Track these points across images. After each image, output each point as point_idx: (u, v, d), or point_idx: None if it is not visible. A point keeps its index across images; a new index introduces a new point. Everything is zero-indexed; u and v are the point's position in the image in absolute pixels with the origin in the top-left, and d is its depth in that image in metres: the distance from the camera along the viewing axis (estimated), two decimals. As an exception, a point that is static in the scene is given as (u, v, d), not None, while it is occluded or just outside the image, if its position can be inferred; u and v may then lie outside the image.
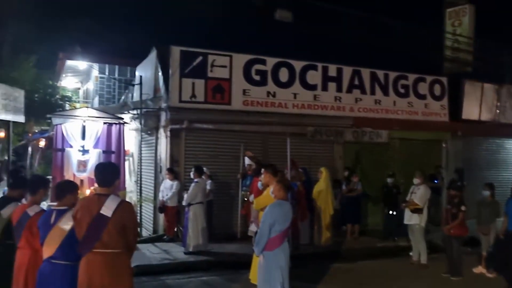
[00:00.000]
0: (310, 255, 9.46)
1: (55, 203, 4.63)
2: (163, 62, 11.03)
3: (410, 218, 9.05)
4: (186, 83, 10.55)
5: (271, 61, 11.52)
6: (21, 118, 8.73)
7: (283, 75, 11.66)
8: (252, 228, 7.11)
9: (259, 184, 7.80)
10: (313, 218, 10.38)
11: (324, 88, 12.20)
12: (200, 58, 10.64)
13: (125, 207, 4.16)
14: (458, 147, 13.91)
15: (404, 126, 12.93)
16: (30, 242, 4.69)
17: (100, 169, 4.37)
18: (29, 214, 4.74)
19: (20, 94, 8.63)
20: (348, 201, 11.29)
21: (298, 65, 11.86)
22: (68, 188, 4.56)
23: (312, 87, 12.03)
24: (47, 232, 4.34)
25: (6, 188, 9.12)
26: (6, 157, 9.49)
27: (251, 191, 9.95)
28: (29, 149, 12.70)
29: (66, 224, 4.30)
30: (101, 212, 4.04)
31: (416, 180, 9.15)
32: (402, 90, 13.27)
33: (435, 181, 12.54)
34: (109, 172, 4.32)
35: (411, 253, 9.37)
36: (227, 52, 11.07)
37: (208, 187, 10.00)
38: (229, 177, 10.98)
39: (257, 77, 11.35)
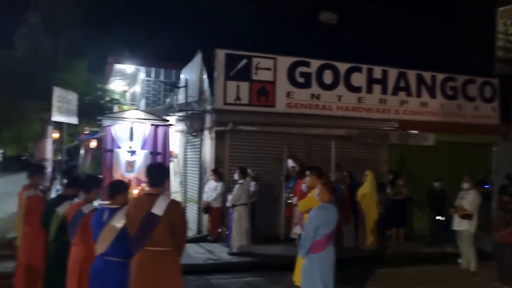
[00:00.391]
0: (354, 259, 9.34)
1: (107, 202, 4.81)
2: (208, 65, 11.21)
3: (460, 224, 8.77)
4: (231, 85, 10.68)
5: (315, 63, 11.49)
6: (74, 120, 9.09)
7: (328, 77, 11.60)
8: (296, 230, 7.11)
9: (304, 186, 7.77)
10: (357, 221, 10.26)
11: (369, 90, 12.04)
12: (244, 61, 10.75)
13: (174, 207, 4.28)
14: (509, 150, 13.34)
15: (451, 129, 12.56)
16: (84, 239, 4.87)
17: (151, 169, 4.51)
18: (83, 212, 4.93)
19: (73, 97, 9.00)
20: (393, 204, 11.07)
21: (342, 67, 11.77)
22: (120, 188, 4.71)
23: (357, 89, 11.91)
24: (100, 229, 4.50)
25: (59, 186, 9.56)
26: (59, 157, 9.91)
27: (294, 193, 9.96)
28: (81, 149, 13.27)
29: (118, 222, 4.45)
30: (152, 211, 4.16)
31: (465, 185, 8.87)
32: (450, 92, 12.90)
33: (486, 186, 12.08)
34: (159, 172, 4.46)
35: (459, 260, 9.08)
36: (272, 55, 11.13)
37: (252, 188, 10.07)
38: (273, 179, 11.00)
39: (301, 79, 11.34)
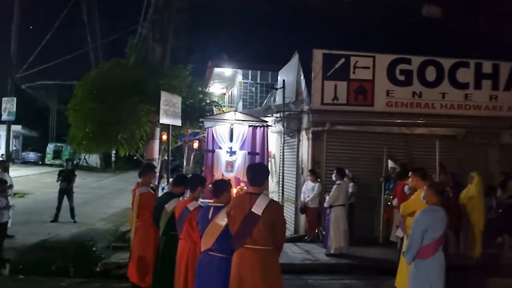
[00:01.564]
0: (460, 267, 8.78)
1: (209, 200, 5.04)
2: (305, 66, 11.25)
3: None
4: (329, 85, 10.62)
5: (416, 60, 11.00)
6: (178, 122, 9.57)
7: (430, 74, 11.04)
8: (398, 233, 6.86)
9: (406, 188, 7.49)
10: (460, 226, 9.62)
11: (477, 86, 11.25)
12: (342, 60, 10.62)
13: (274, 207, 4.36)
14: None
15: None
16: (190, 234, 5.14)
17: (253, 169, 4.65)
18: (189, 209, 5.21)
19: (178, 100, 9.49)
20: (506, 209, 10.20)
21: (447, 63, 11.13)
22: (225, 187, 4.92)
23: (463, 86, 11.19)
24: (205, 226, 4.73)
25: (164, 184, 10.18)
26: (166, 157, 10.55)
27: (394, 195, 9.61)
28: (186, 150, 14.04)
29: (222, 220, 4.64)
30: (252, 210, 4.28)
31: None
32: None
33: None
34: (260, 172, 4.58)
35: None
36: (370, 53, 10.88)
37: (350, 189, 9.92)
38: (371, 180, 10.74)
39: (401, 77, 10.93)
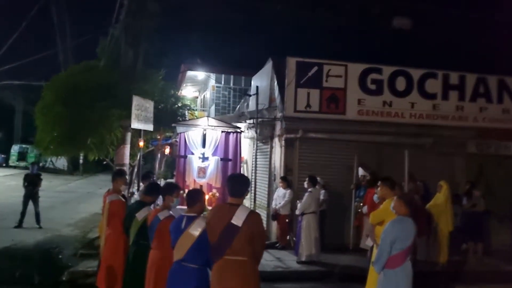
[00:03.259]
0: (428, 274, 8.96)
1: (185, 207, 4.97)
2: (279, 73, 11.30)
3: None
4: (301, 93, 10.69)
5: (387, 70, 11.21)
6: (150, 127, 9.47)
7: (400, 84, 11.28)
8: (368, 242, 6.95)
9: (375, 197, 7.60)
10: (430, 233, 9.84)
11: (445, 97, 11.55)
12: (315, 68, 10.72)
13: (254, 218, 4.34)
14: None
15: (537, 138, 11.72)
16: (161, 244, 5.08)
17: (233, 180, 4.61)
18: (159, 218, 5.16)
19: (150, 104, 9.39)
20: (470, 217, 10.49)
21: (416, 73, 11.39)
22: (198, 197, 4.86)
23: (431, 96, 11.47)
24: (178, 236, 4.66)
25: (134, 189, 10.03)
26: (136, 162, 10.42)
27: (364, 202, 9.77)
28: (158, 155, 13.89)
29: (196, 230, 4.59)
30: (232, 221, 4.25)
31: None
32: (536, 98, 12.04)
33: None
34: (241, 183, 4.55)
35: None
36: (343, 62, 11.02)
37: (321, 197, 10.00)
38: (342, 188, 10.85)
39: (372, 86, 11.12)
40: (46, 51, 16.26)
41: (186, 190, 10.24)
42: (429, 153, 11.29)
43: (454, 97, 11.60)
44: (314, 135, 10.78)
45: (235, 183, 4.54)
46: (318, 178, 9.85)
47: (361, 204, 10.01)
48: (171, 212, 5.29)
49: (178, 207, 7.78)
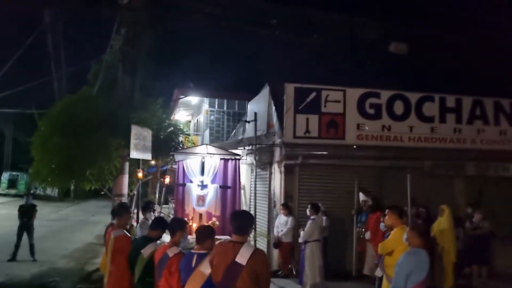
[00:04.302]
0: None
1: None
2: (276, 98, 11.30)
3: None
4: (300, 119, 10.67)
5: (385, 94, 11.25)
6: (148, 156, 9.35)
7: (398, 108, 11.32)
8: (377, 272, 6.80)
9: (382, 225, 7.49)
10: (434, 258, 9.71)
11: (442, 120, 11.59)
12: (314, 94, 10.73)
13: (259, 256, 4.21)
14: None
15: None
16: (169, 282, 4.90)
17: (237, 217, 4.50)
18: (168, 255, 4.99)
19: (148, 133, 9.29)
20: (474, 240, 10.40)
21: (413, 97, 11.44)
22: (209, 233, 4.73)
23: (429, 120, 11.50)
24: (188, 274, 4.51)
25: (133, 220, 9.82)
26: (135, 192, 10.24)
27: (367, 228, 9.67)
28: (158, 184, 13.78)
29: (207, 268, 4.44)
30: (236, 260, 4.12)
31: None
32: (532, 119, 12.13)
33: None
34: (245, 220, 4.43)
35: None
36: (341, 87, 11.04)
37: (324, 223, 9.87)
38: (344, 213, 10.75)
39: (371, 111, 11.14)
40: (38, 79, 16.15)
41: (186, 219, 10.11)
42: (428, 176, 11.24)
43: (452, 120, 11.65)
44: (314, 161, 10.71)
45: (239, 220, 4.43)
46: (320, 204, 9.74)
47: (363, 229, 9.90)
48: (179, 248, 5.13)
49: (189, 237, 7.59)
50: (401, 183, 9.72)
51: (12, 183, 36.22)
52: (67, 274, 10.38)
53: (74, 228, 19.69)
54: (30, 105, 17.57)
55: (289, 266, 10.39)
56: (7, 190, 35.59)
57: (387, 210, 6.70)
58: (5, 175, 36.92)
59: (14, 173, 37.26)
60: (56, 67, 14.47)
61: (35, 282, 9.72)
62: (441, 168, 11.38)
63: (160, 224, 5.78)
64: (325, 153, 10.69)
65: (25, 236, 11.91)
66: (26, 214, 12.01)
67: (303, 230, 9.25)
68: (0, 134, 40.43)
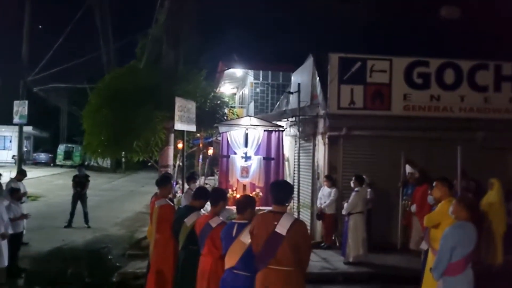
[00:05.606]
0: (482, 276, 8.56)
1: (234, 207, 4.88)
2: (320, 69, 11.09)
3: None
4: (345, 89, 10.45)
5: (435, 63, 10.78)
6: (193, 128, 9.48)
7: (449, 76, 10.82)
8: (423, 245, 6.67)
9: (430, 198, 7.29)
10: (482, 233, 9.40)
11: (497, 89, 11.00)
12: (359, 64, 10.44)
13: (299, 226, 4.21)
14: None
15: None
16: (212, 251, 5.01)
17: (277, 187, 4.50)
18: (211, 225, 5.08)
19: (192, 105, 9.39)
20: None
21: (466, 65, 10.90)
22: (248, 203, 4.78)
23: (483, 89, 10.95)
24: (229, 244, 4.60)
25: (177, 188, 10.10)
26: (179, 163, 10.47)
27: (413, 201, 9.46)
28: (201, 156, 14.04)
29: (247, 238, 4.50)
30: (276, 230, 4.14)
31: None
32: None
33: None
34: (285, 190, 4.44)
35: None
36: (387, 56, 10.68)
37: (368, 196, 9.74)
38: (389, 186, 10.52)
39: (419, 80, 10.73)
40: (88, 54, 16.70)
41: (230, 190, 10.27)
42: (479, 149, 10.78)
43: (507, 89, 11.04)
44: (358, 132, 10.51)
45: (279, 191, 4.43)
46: (364, 176, 9.61)
47: (409, 202, 9.69)
48: (221, 218, 5.23)
49: (228, 207, 7.72)
50: (450, 155, 9.36)
51: (67, 155, 38.10)
52: (118, 240, 10.88)
53: (125, 198, 20.52)
54: (82, 80, 18.36)
55: (332, 237, 10.39)
56: (63, 162, 37.49)
57: (435, 182, 6.50)
58: (61, 147, 38.84)
59: (69, 145, 39.15)
60: (105, 42, 14.89)
61: (89, 247, 10.27)
62: (494, 140, 10.86)
63: (202, 194, 5.89)
64: (370, 124, 10.44)
65: (79, 205, 12.56)
66: (80, 184, 12.62)
67: (347, 202, 9.20)
68: (56, 108, 42.30)
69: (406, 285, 7.65)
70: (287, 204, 4.41)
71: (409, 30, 12.77)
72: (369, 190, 9.97)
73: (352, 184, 9.24)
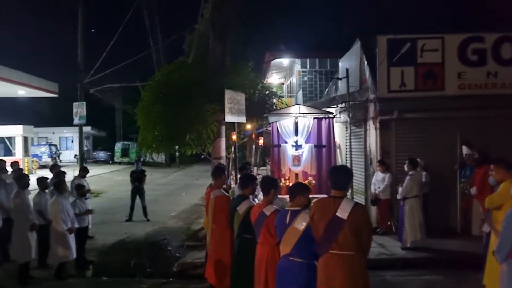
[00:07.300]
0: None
1: (286, 196, 4.94)
2: (368, 53, 10.88)
3: None
4: (395, 72, 10.18)
5: (490, 37, 10.24)
6: (243, 119, 9.60)
7: (506, 51, 10.25)
8: (485, 228, 6.45)
9: (491, 179, 7.00)
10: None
11: (561, 62, 10.33)
12: (408, 45, 10.11)
13: (359, 210, 4.21)
14: None
15: None
16: (268, 239, 5.10)
17: (336, 172, 4.51)
18: (265, 213, 5.16)
19: (241, 97, 9.50)
20: None
21: (525, 38, 10.31)
22: (298, 190, 4.82)
23: (545, 63, 10.32)
24: (283, 231, 4.67)
25: (230, 180, 10.26)
26: (232, 154, 10.64)
27: (472, 183, 9.10)
28: (253, 146, 14.21)
29: (300, 224, 4.56)
30: (337, 214, 4.16)
31: None
32: None
33: None
34: (343, 175, 4.44)
35: None
36: (438, 34, 10.29)
37: (423, 179, 9.50)
38: (445, 168, 10.20)
39: (474, 57, 10.24)
40: (138, 53, 17.26)
41: (282, 179, 10.34)
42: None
43: None
44: (411, 115, 10.23)
45: (338, 176, 4.44)
46: (419, 160, 9.37)
47: (468, 185, 9.36)
48: (275, 206, 5.30)
49: (280, 196, 7.81)
50: (509, 134, 9.00)
51: (124, 152, 39.69)
52: (176, 232, 11.25)
53: (180, 191, 21.10)
54: (134, 79, 18.99)
55: (388, 223, 10.23)
56: (121, 159, 39.08)
57: (492, 165, 6.27)
58: (118, 145, 40.49)
59: (125, 142, 40.77)
60: (154, 40, 15.33)
61: (149, 239, 10.69)
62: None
63: (248, 181, 6.04)
64: (422, 106, 10.13)
65: (138, 199, 13.07)
66: (137, 179, 13.12)
67: (402, 186, 9.03)
68: (112, 108, 44.03)
69: (467, 270, 7.42)
70: (346, 189, 4.42)
71: (460, 5, 12.23)
72: (424, 173, 9.72)
73: (405, 168, 9.05)
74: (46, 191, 8.42)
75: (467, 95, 10.23)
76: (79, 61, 16.90)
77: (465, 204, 9.68)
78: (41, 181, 8.36)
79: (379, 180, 10.10)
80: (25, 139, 27.54)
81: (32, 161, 28.64)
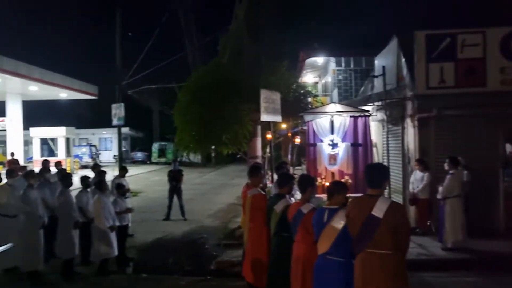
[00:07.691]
0: None
1: (322, 196, 4.93)
2: (406, 49, 10.67)
3: None
4: (434, 68, 9.95)
5: (535, 31, 9.89)
6: (278, 118, 9.63)
7: (553, 44, 9.88)
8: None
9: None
10: None
11: None
12: (448, 40, 9.87)
13: (396, 208, 4.15)
14: None
15: None
16: (305, 238, 5.10)
17: (371, 170, 4.47)
18: (303, 212, 5.17)
19: (277, 96, 9.53)
20: None
21: None
22: (336, 189, 4.79)
23: None
24: (321, 229, 4.66)
25: (267, 181, 10.28)
26: (268, 154, 10.66)
27: (516, 182, 8.84)
28: (290, 145, 14.23)
29: (338, 223, 4.53)
30: (373, 213, 4.11)
31: None
32: None
33: None
34: (379, 173, 4.40)
35: None
36: (479, 28, 9.99)
37: (464, 178, 9.25)
38: (486, 167, 9.90)
39: (517, 52, 9.91)
40: (174, 55, 17.56)
41: (319, 179, 10.29)
42: None
43: None
44: (451, 112, 9.97)
45: (374, 173, 4.39)
46: (459, 158, 9.12)
47: (512, 183, 9.07)
48: (312, 204, 5.30)
49: (317, 196, 7.80)
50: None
51: (161, 152, 40.43)
52: (213, 231, 11.35)
53: (216, 190, 21.29)
54: (170, 80, 19.34)
55: (427, 223, 10.00)
56: (158, 159, 39.83)
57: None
58: (155, 146, 41.29)
59: (162, 143, 41.52)
60: (189, 41, 15.56)
61: (187, 238, 10.84)
62: None
63: (285, 180, 6.05)
64: (463, 102, 9.86)
65: (175, 198, 13.29)
66: (175, 179, 13.34)
67: (442, 185, 8.81)
68: (149, 109, 44.96)
69: (511, 272, 7.19)
70: (382, 187, 4.37)
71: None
72: (465, 172, 9.46)
73: (446, 167, 8.84)
74: (88, 189, 8.70)
75: (510, 91, 9.89)
76: (117, 63, 17.35)
77: (509, 203, 9.38)
78: (84, 180, 8.65)
79: (418, 179, 9.90)
80: (67, 140, 28.46)
81: (74, 161, 29.55)
